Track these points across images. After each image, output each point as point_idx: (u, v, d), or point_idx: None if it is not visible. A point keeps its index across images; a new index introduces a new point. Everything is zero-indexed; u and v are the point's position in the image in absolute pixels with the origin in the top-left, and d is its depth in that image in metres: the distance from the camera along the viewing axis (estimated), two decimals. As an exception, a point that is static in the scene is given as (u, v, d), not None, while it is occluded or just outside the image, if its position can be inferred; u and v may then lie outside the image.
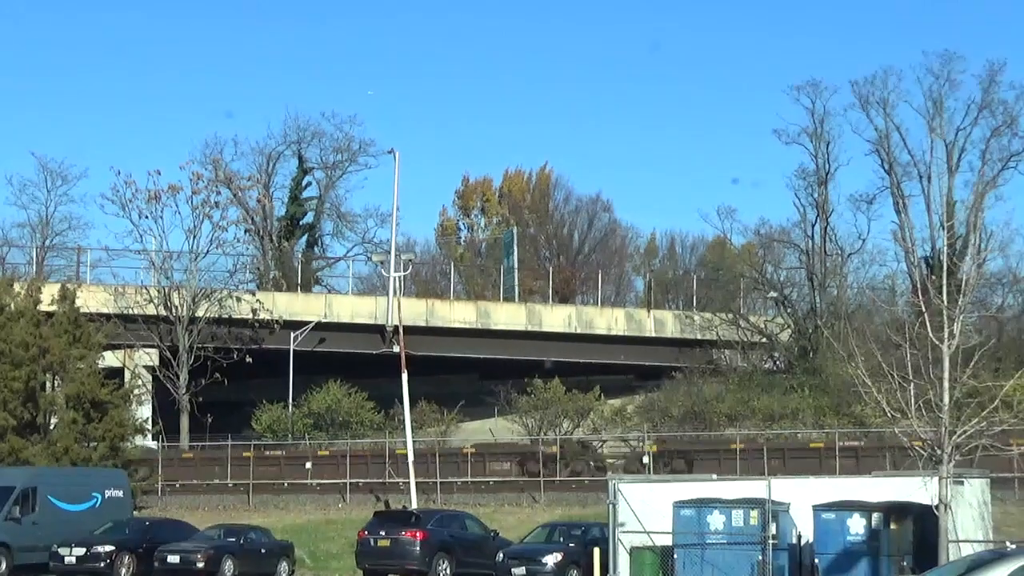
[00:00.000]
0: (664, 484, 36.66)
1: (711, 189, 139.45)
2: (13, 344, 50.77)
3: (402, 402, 52.32)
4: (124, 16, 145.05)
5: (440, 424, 63.58)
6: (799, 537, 32.63)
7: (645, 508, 34.01)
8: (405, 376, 51.08)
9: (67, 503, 45.42)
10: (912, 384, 29.13)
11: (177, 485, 57.79)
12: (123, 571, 42.21)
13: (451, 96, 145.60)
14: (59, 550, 42.33)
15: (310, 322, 68.68)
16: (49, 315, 53.23)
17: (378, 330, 70.28)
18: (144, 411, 61.23)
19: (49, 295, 55.19)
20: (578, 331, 75.11)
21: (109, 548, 42.23)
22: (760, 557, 31.59)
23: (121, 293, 65.83)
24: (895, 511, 31.49)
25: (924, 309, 30.66)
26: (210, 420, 63.31)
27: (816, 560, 31.81)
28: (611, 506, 34.82)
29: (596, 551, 35.63)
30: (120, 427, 52.63)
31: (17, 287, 54.70)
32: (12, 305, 52.67)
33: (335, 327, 70.39)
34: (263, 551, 43.82)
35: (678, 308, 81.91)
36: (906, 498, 31.19)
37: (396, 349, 54.59)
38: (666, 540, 33.24)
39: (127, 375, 60.94)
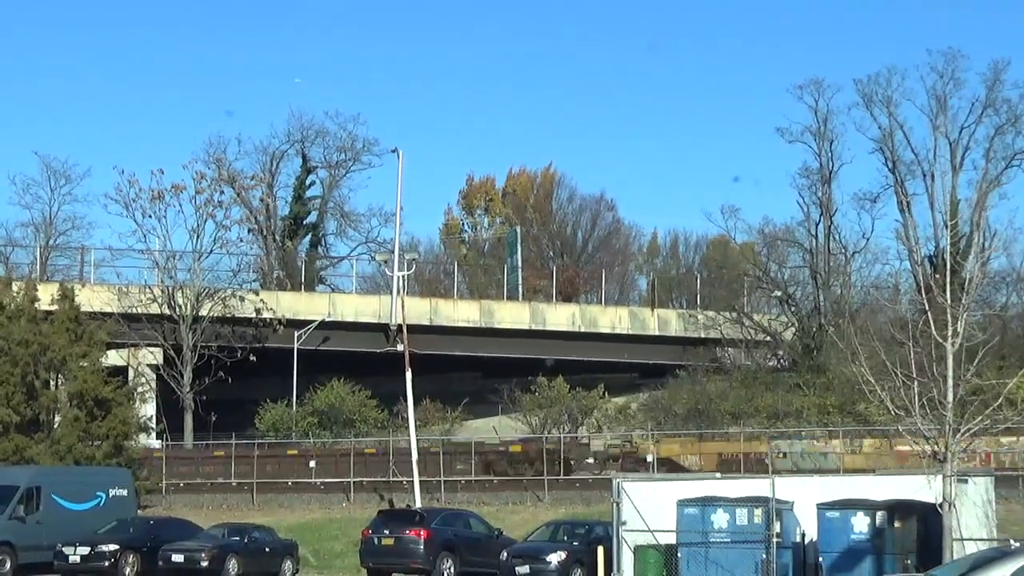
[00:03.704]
0: (668, 483, 36.67)
1: (714, 188, 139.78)
2: (13, 342, 50.83)
3: (406, 400, 52.36)
4: (127, 16, 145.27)
5: (444, 422, 63.60)
6: (803, 535, 32.63)
7: (649, 506, 34.00)
8: (409, 375, 51.09)
9: (71, 502, 45.46)
10: (916, 382, 29.11)
11: (181, 484, 57.74)
12: (127, 570, 42.22)
13: (455, 96, 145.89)
14: (63, 549, 42.34)
15: (314, 321, 68.71)
16: (49, 313, 53.30)
17: (382, 329, 70.31)
18: (148, 409, 61.34)
19: (49, 294, 55.27)
20: (582, 330, 75.16)
21: (113, 547, 42.23)
22: (764, 555, 31.58)
23: (125, 292, 65.84)
24: (899, 509, 31.48)
25: (928, 307, 30.67)
26: (214, 419, 63.33)
27: (820, 558, 31.81)
28: (615, 505, 34.81)
29: (600, 549, 35.65)
30: (124, 425, 52.67)
31: (16, 287, 54.75)
32: (13, 304, 52.73)
33: (339, 326, 70.44)
34: (267, 550, 43.85)
35: (682, 307, 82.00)
36: (910, 496, 31.16)
37: (400, 348, 54.57)
38: (670, 538, 33.25)
39: (131, 373, 60.95)
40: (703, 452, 55.76)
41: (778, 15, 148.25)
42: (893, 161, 68.25)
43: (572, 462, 56.25)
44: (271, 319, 67.09)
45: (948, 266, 34.51)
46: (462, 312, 74.05)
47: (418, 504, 48.86)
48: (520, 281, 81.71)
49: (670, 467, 53.97)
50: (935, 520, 29.80)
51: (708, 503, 32.67)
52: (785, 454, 53.79)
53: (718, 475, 39.19)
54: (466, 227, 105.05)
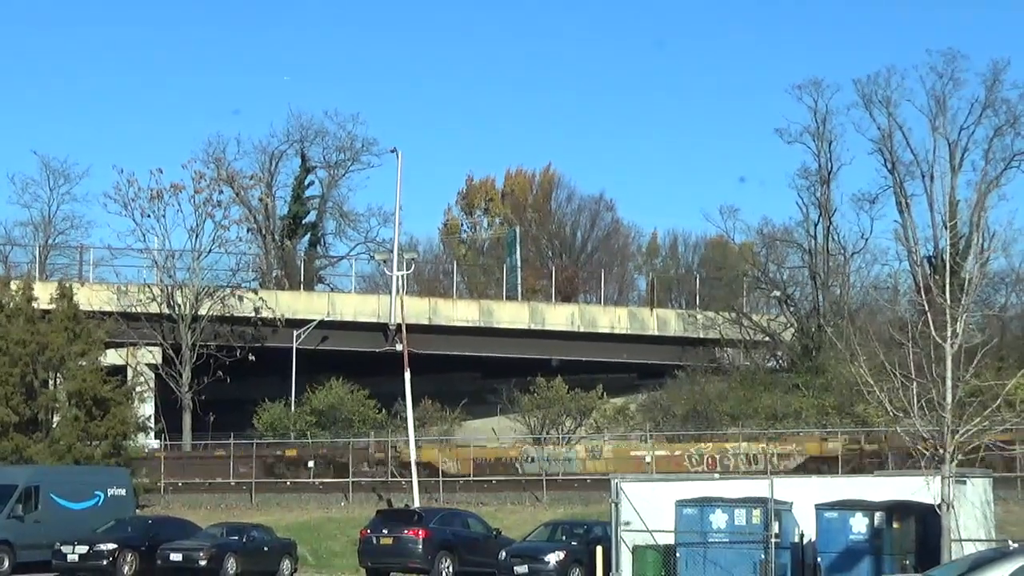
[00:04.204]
0: (667, 483, 36.67)
1: (714, 188, 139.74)
2: (11, 341, 50.82)
3: (405, 400, 52.37)
4: (126, 15, 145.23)
5: (443, 423, 63.59)
6: (801, 536, 32.63)
7: (648, 507, 34.01)
8: (408, 375, 51.10)
9: (70, 501, 45.50)
10: (915, 383, 29.13)
11: (179, 483, 57.75)
12: (125, 569, 42.24)
13: (454, 96, 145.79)
14: (62, 548, 42.36)
15: (313, 320, 68.67)
16: (47, 312, 53.28)
17: (381, 328, 70.29)
18: (147, 409, 61.28)
19: (48, 293, 55.26)
20: (581, 330, 75.16)
21: (112, 546, 42.26)
22: (762, 556, 31.59)
23: (124, 292, 65.83)
24: (898, 510, 31.50)
25: (927, 308, 30.68)
26: (212, 418, 63.30)
27: (818, 559, 31.83)
28: (614, 505, 34.81)
29: (599, 549, 35.62)
30: (123, 425, 52.69)
31: (14, 286, 54.71)
32: (12, 303, 52.72)
33: (338, 326, 70.40)
34: (266, 549, 43.86)
35: (681, 307, 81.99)
36: (909, 497, 31.20)
37: (399, 347, 54.59)
38: (669, 539, 33.25)
39: (130, 373, 60.92)
40: (460, 456, 57.40)
41: (777, 15, 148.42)
42: (892, 162, 68.25)
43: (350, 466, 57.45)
44: (270, 318, 67.07)
45: (947, 267, 34.60)
46: (461, 312, 74.04)
47: (416, 504, 48.86)
48: (519, 281, 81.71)
49: (430, 471, 55.46)
50: (933, 521, 29.83)
51: (707, 503, 32.68)
52: (533, 459, 55.93)
53: (717, 475, 39.21)
54: (465, 227, 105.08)
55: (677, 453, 54.46)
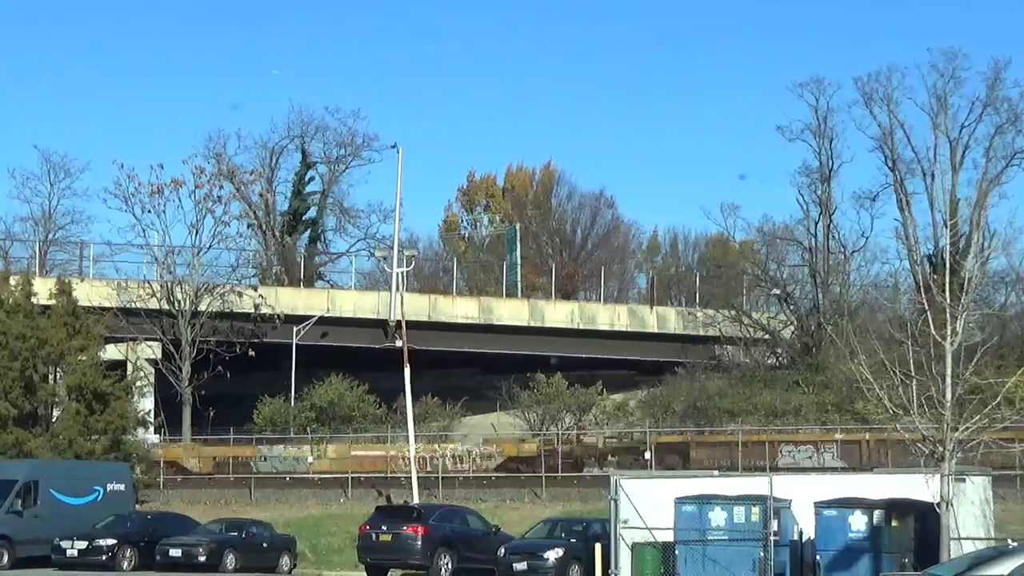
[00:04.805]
0: (666, 480, 36.66)
1: (714, 186, 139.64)
2: (11, 336, 50.84)
3: (404, 396, 52.36)
4: (127, 10, 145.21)
5: (443, 419, 63.63)
6: (800, 534, 32.62)
7: (647, 504, 33.96)
8: (407, 371, 51.11)
9: (69, 496, 45.49)
10: (914, 381, 29.12)
11: (178, 479, 57.84)
12: (125, 564, 42.23)
13: (455, 92, 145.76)
14: (61, 543, 42.35)
15: (313, 317, 68.66)
16: (46, 308, 53.28)
17: (381, 325, 70.28)
18: (146, 403, 61.28)
19: (47, 289, 55.26)
20: (580, 327, 75.18)
21: (111, 541, 42.26)
22: (761, 553, 31.57)
23: (124, 287, 65.81)
24: (897, 508, 31.48)
25: (927, 306, 30.69)
26: (212, 414, 63.33)
27: (818, 557, 31.80)
28: (612, 502, 34.77)
29: (598, 547, 35.58)
30: (122, 419, 52.68)
31: (14, 281, 54.71)
32: (11, 299, 52.72)
33: (338, 322, 70.39)
34: (265, 545, 43.85)
35: (681, 304, 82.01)
36: (908, 495, 31.18)
37: (399, 344, 54.60)
38: (668, 536, 33.22)
39: (129, 368, 60.90)
40: (202, 455, 59.75)
41: (779, 13, 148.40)
42: (893, 160, 68.30)
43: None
44: (270, 314, 67.05)
45: (947, 265, 34.59)
46: (461, 309, 74.04)
47: (416, 500, 48.87)
48: (519, 278, 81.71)
49: (177, 469, 58.37)
50: (933, 519, 29.82)
51: (706, 501, 32.65)
52: (266, 458, 58.53)
53: (716, 473, 39.20)
54: (466, 224, 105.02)
55: (392, 453, 57.06)
